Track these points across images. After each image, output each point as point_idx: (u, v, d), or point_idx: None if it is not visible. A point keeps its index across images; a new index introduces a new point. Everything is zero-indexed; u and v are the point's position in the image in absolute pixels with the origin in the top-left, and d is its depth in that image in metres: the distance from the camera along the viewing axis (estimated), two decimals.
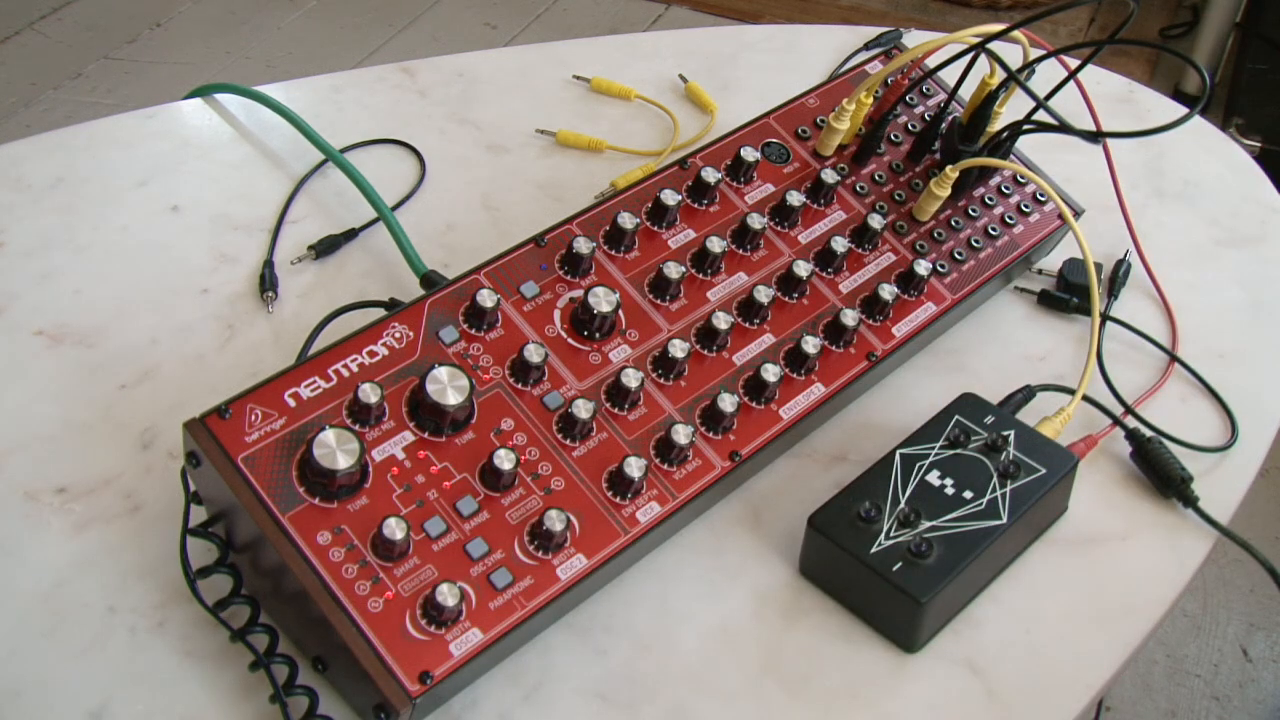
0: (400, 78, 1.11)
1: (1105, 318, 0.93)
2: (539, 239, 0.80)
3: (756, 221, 0.82)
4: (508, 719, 0.68)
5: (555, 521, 0.68)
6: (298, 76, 1.11)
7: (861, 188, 0.89)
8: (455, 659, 0.64)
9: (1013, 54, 0.87)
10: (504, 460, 0.69)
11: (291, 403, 0.69)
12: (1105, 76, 1.19)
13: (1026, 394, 0.86)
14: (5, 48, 2.63)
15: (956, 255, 0.88)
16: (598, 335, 0.77)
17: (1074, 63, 0.89)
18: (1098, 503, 0.82)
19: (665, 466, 0.74)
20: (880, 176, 0.90)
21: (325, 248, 0.94)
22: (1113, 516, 0.81)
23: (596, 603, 0.74)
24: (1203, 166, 1.10)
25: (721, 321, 0.78)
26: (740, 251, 0.83)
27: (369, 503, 0.67)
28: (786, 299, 0.82)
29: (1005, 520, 0.74)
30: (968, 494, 0.75)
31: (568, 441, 0.73)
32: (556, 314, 0.77)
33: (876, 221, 0.85)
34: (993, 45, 0.85)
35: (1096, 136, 0.88)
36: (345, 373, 0.71)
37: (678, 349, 0.76)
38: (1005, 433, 0.78)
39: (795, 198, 0.85)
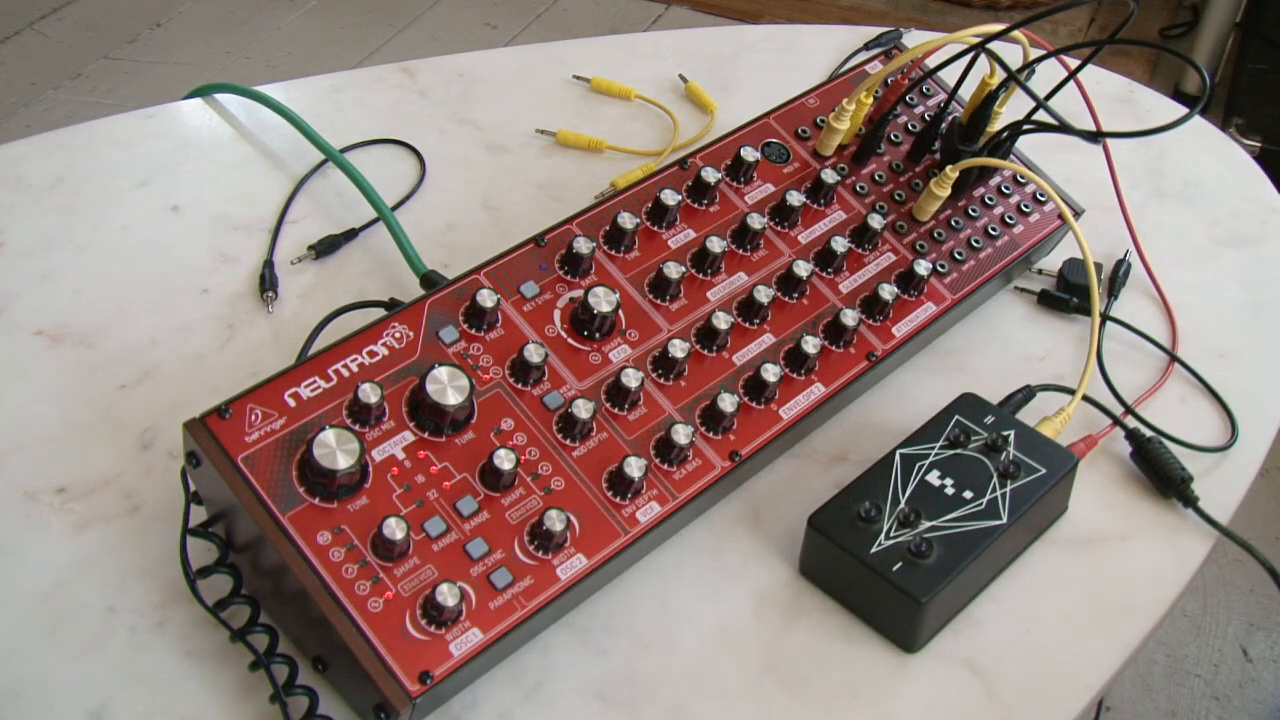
0: (400, 78, 1.11)
1: (1105, 318, 0.93)
2: (539, 239, 0.80)
3: (756, 221, 0.82)
4: (508, 719, 0.68)
5: (555, 521, 0.68)
6: (298, 76, 1.11)
7: (861, 188, 0.89)
8: (455, 659, 0.64)
9: (1013, 54, 0.87)
10: (504, 460, 0.69)
11: (291, 403, 0.69)
12: (1105, 76, 1.19)
13: (1026, 394, 0.86)
14: (5, 48, 2.63)
15: (956, 255, 0.88)
16: (598, 335, 0.77)
17: (1074, 63, 0.89)
18: (1098, 503, 0.82)
19: (665, 466, 0.74)
20: (880, 176, 0.90)
21: (325, 248, 0.94)
22: (1113, 516, 0.81)
23: (596, 603, 0.73)
24: (1203, 166, 1.10)
25: (721, 321, 0.78)
26: (740, 251, 0.83)
27: (369, 503, 0.67)
28: (786, 299, 0.82)
29: (1005, 520, 0.74)
30: (968, 494, 0.75)
31: (568, 441, 0.73)
32: (556, 314, 0.77)
33: (876, 221, 0.85)
34: (993, 45, 0.85)
35: (1096, 136, 0.88)
36: (345, 373, 0.71)
37: (678, 349, 0.76)
38: (1005, 433, 0.78)
39: (795, 198, 0.85)
